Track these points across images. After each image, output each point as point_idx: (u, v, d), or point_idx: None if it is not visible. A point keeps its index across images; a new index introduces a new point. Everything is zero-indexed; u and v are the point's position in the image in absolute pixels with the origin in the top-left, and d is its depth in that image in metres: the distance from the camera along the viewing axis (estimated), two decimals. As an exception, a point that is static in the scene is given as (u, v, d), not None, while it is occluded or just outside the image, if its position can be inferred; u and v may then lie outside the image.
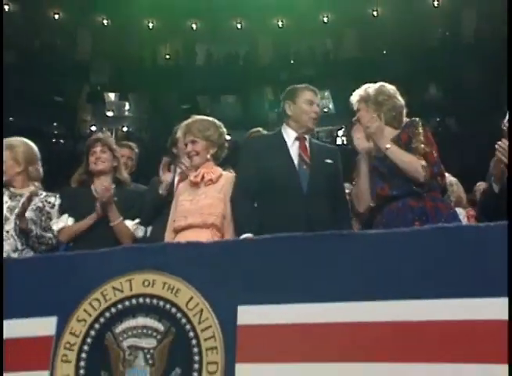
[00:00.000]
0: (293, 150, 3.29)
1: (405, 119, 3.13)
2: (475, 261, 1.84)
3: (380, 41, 22.87)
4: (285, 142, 3.31)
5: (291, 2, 22.01)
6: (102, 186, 3.42)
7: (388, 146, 2.92)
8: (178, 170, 3.60)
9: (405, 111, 3.13)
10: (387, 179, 2.95)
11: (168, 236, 3.21)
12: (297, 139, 3.32)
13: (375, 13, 23.41)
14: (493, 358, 1.73)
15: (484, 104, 18.37)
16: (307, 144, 3.33)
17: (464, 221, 3.81)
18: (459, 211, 3.99)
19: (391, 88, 3.13)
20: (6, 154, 3.58)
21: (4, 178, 3.56)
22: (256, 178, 3.21)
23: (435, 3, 23.01)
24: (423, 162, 2.86)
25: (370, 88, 3.12)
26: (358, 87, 3.19)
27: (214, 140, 3.29)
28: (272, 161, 3.24)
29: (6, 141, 3.67)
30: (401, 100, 3.12)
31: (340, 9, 22.69)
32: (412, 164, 2.86)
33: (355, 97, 3.16)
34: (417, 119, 3.05)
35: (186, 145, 3.30)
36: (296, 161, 3.25)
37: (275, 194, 3.17)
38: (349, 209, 3.41)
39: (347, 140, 18.56)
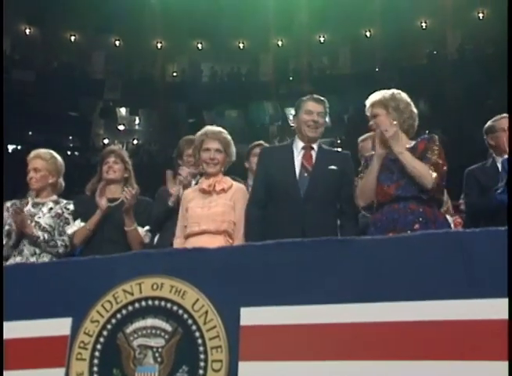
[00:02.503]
0: (298, 159, 3.25)
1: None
2: (470, 264, 1.83)
3: (372, 59, 22.97)
4: (292, 152, 3.27)
5: (290, 24, 22.09)
6: (130, 192, 3.39)
7: (402, 150, 2.85)
8: (181, 179, 3.54)
9: (417, 121, 3.03)
10: (394, 180, 2.88)
11: (179, 242, 3.15)
12: (303, 148, 3.28)
13: (367, 34, 23.54)
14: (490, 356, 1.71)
15: (468, 117, 18.38)
16: (313, 153, 3.26)
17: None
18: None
19: (406, 96, 3.03)
20: (41, 164, 3.56)
21: (34, 186, 3.54)
22: (264, 187, 3.20)
23: (423, 25, 23.13)
24: (434, 172, 2.80)
25: (387, 94, 3.01)
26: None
27: (230, 154, 3.28)
28: (277, 171, 3.22)
29: (39, 151, 3.65)
30: (415, 109, 3.03)
31: (335, 29, 22.79)
32: (423, 171, 2.79)
33: (371, 102, 3.02)
34: (436, 136, 2.96)
35: (207, 150, 3.21)
36: (298, 170, 3.20)
37: (276, 202, 3.16)
38: (354, 213, 3.25)
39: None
